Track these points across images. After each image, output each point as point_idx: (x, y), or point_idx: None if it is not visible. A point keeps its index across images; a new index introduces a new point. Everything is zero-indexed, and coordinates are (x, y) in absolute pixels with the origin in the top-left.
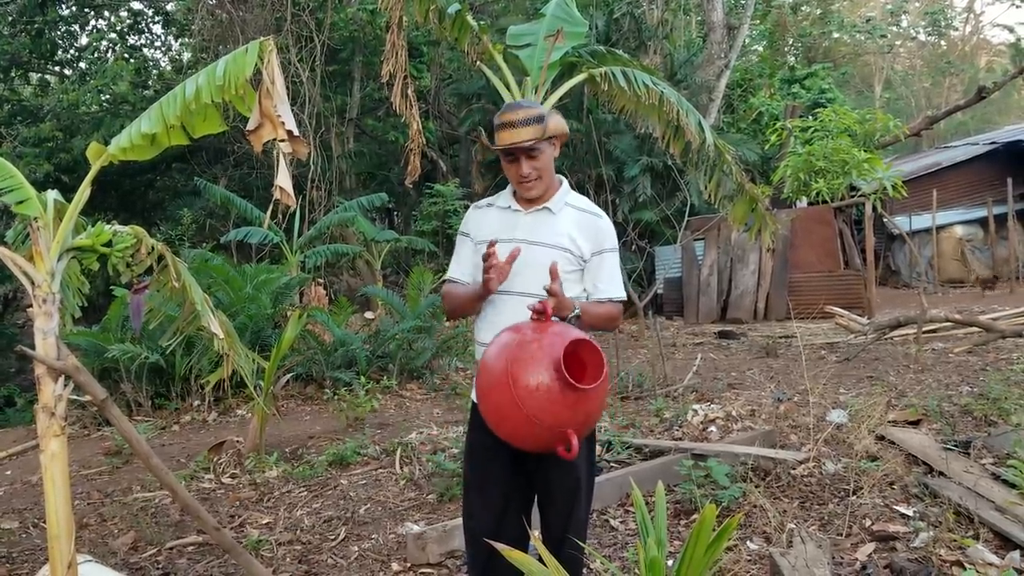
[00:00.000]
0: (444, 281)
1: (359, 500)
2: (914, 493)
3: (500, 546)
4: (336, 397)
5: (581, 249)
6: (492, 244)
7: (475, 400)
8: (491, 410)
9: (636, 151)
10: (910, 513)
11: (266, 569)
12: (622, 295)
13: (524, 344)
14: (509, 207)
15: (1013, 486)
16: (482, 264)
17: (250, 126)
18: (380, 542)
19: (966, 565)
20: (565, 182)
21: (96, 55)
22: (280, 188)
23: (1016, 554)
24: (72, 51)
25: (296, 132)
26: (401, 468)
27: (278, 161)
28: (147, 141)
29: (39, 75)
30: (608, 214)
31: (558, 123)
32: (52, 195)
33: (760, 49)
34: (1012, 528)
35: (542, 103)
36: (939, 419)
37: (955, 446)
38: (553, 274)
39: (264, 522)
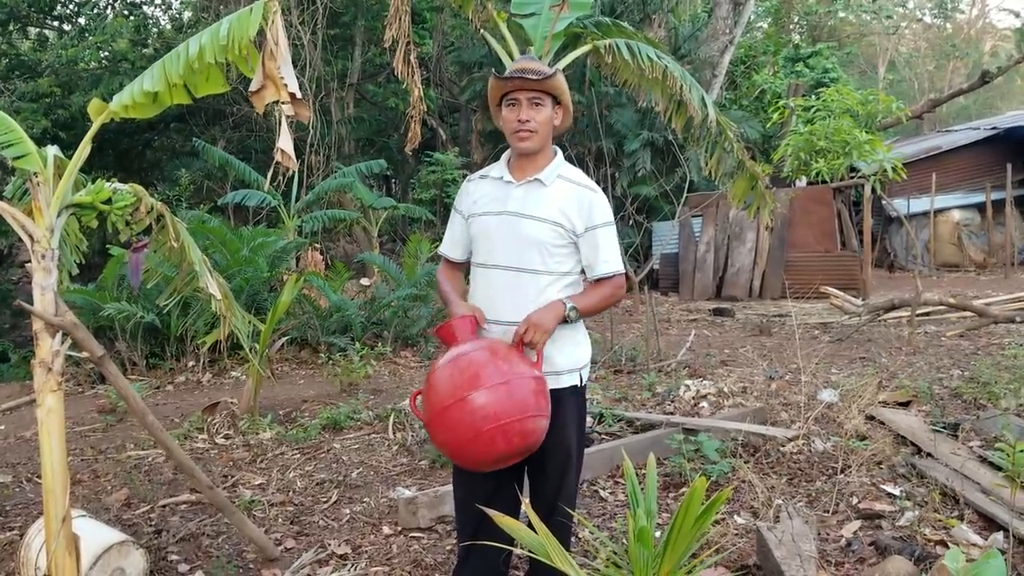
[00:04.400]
0: (438, 252)
1: (351, 464)
2: (901, 473)
3: (492, 512)
4: (331, 362)
5: (572, 223)
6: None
7: None
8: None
9: (637, 125)
10: (897, 492)
11: (258, 529)
12: (620, 269)
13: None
14: (501, 178)
15: (999, 468)
16: (471, 242)
17: (253, 87)
18: (371, 505)
19: (950, 544)
20: (560, 154)
21: (95, 11)
22: (281, 151)
23: (999, 535)
24: (71, 6)
25: (299, 95)
26: (394, 434)
27: (280, 123)
28: (149, 99)
29: (37, 30)
30: (607, 188)
31: (566, 91)
32: (52, 150)
33: (765, 26)
34: (996, 510)
35: None
36: (929, 401)
37: (944, 428)
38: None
39: (257, 483)
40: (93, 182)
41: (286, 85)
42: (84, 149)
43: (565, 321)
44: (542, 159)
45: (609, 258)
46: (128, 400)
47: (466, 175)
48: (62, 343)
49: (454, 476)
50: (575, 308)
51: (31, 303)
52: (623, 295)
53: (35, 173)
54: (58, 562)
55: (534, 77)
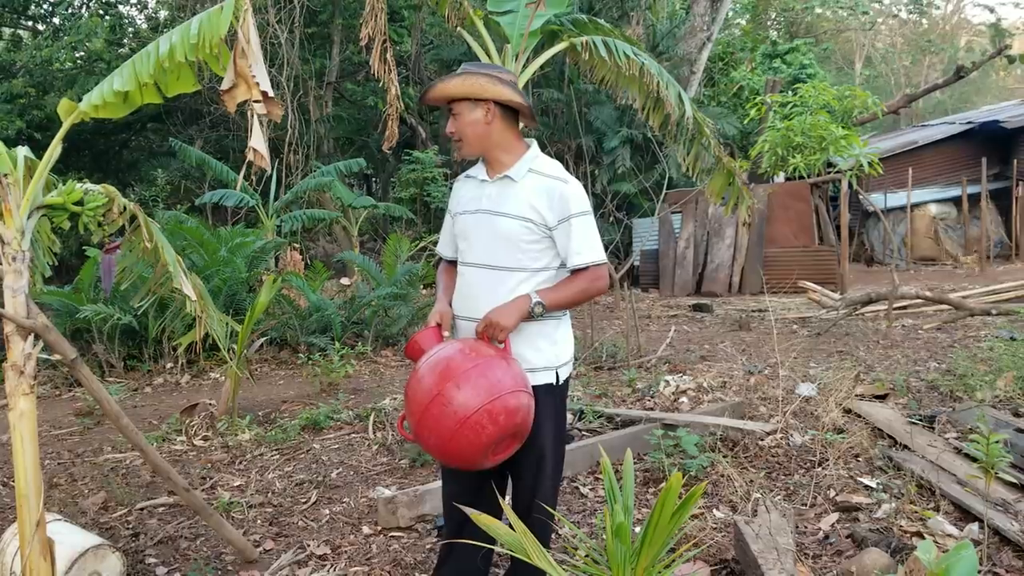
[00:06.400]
0: (425, 249)
1: (331, 464)
2: (878, 466)
3: (470, 511)
4: (310, 362)
5: (544, 217)
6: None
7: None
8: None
9: (616, 122)
10: (873, 485)
11: (236, 530)
12: (599, 258)
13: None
14: (478, 177)
15: (974, 460)
16: (460, 240)
17: (224, 86)
18: (351, 506)
19: (926, 536)
20: (533, 147)
21: (70, 11)
22: (254, 150)
23: (975, 526)
24: (46, 6)
25: (271, 93)
26: (374, 433)
27: (252, 123)
28: (119, 99)
29: (11, 30)
30: (587, 185)
31: (470, 91)
32: (23, 151)
33: (743, 23)
34: (971, 501)
35: (522, 71)
36: (906, 394)
37: (920, 420)
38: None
39: (235, 484)
40: (65, 183)
41: (258, 84)
42: (54, 149)
43: (531, 315)
44: (510, 156)
45: (582, 249)
46: (101, 402)
47: (447, 174)
48: (34, 346)
49: (442, 474)
50: (541, 303)
51: (3, 306)
52: (603, 287)
53: (5, 174)
54: (32, 566)
55: (428, 95)
